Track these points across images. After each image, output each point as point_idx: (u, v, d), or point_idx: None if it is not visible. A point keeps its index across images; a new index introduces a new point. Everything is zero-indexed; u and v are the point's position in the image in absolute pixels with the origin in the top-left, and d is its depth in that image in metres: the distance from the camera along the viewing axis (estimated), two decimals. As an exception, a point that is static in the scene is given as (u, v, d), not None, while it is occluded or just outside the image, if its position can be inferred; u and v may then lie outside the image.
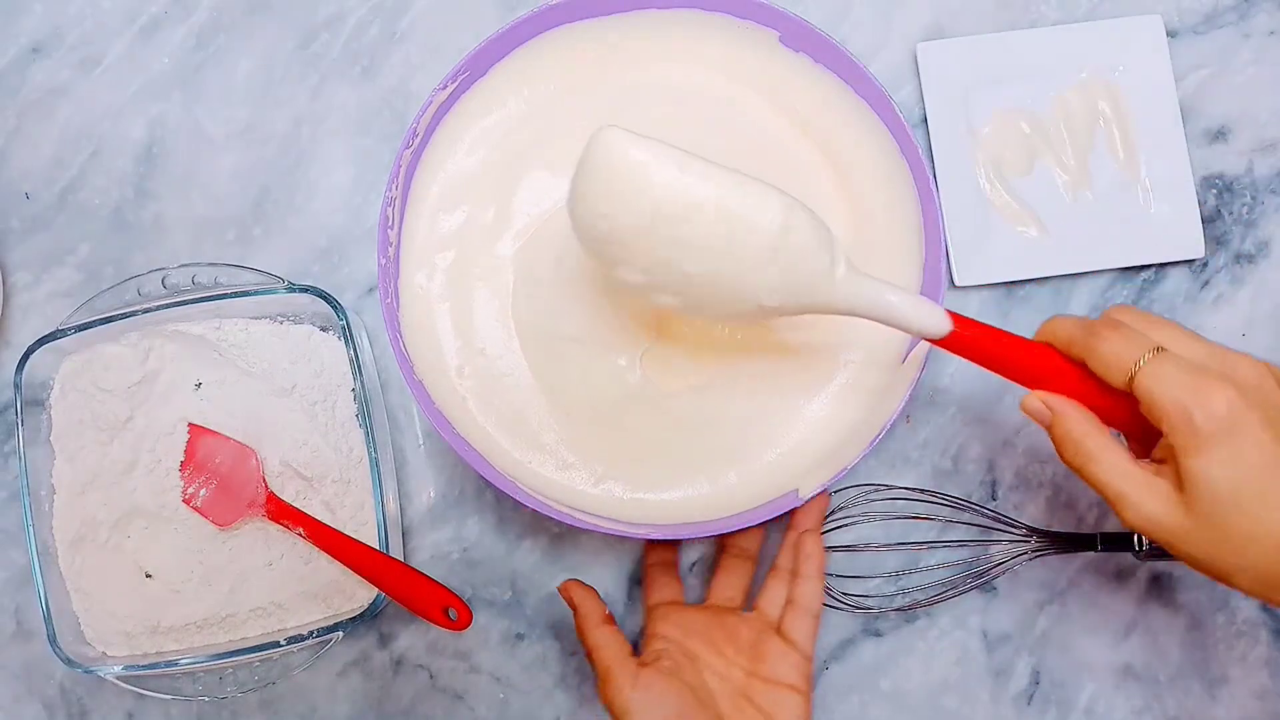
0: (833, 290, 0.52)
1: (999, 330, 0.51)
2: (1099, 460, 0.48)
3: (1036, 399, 0.50)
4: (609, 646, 0.58)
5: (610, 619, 0.59)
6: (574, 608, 0.60)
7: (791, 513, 0.62)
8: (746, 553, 0.63)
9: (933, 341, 0.52)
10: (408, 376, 0.58)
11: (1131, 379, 0.46)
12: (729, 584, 0.62)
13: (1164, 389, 0.45)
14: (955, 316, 0.51)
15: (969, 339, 0.51)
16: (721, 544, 0.64)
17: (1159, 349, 0.47)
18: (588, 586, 0.61)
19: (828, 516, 0.66)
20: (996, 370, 0.52)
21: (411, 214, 0.62)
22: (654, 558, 0.65)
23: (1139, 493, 0.47)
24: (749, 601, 0.63)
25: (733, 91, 0.64)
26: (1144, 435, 0.50)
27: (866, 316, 0.52)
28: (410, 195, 0.62)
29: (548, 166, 0.63)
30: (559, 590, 0.61)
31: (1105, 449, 0.48)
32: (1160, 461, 0.48)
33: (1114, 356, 0.47)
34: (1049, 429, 0.50)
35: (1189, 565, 0.47)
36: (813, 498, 0.58)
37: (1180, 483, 0.46)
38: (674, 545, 0.65)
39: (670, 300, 0.54)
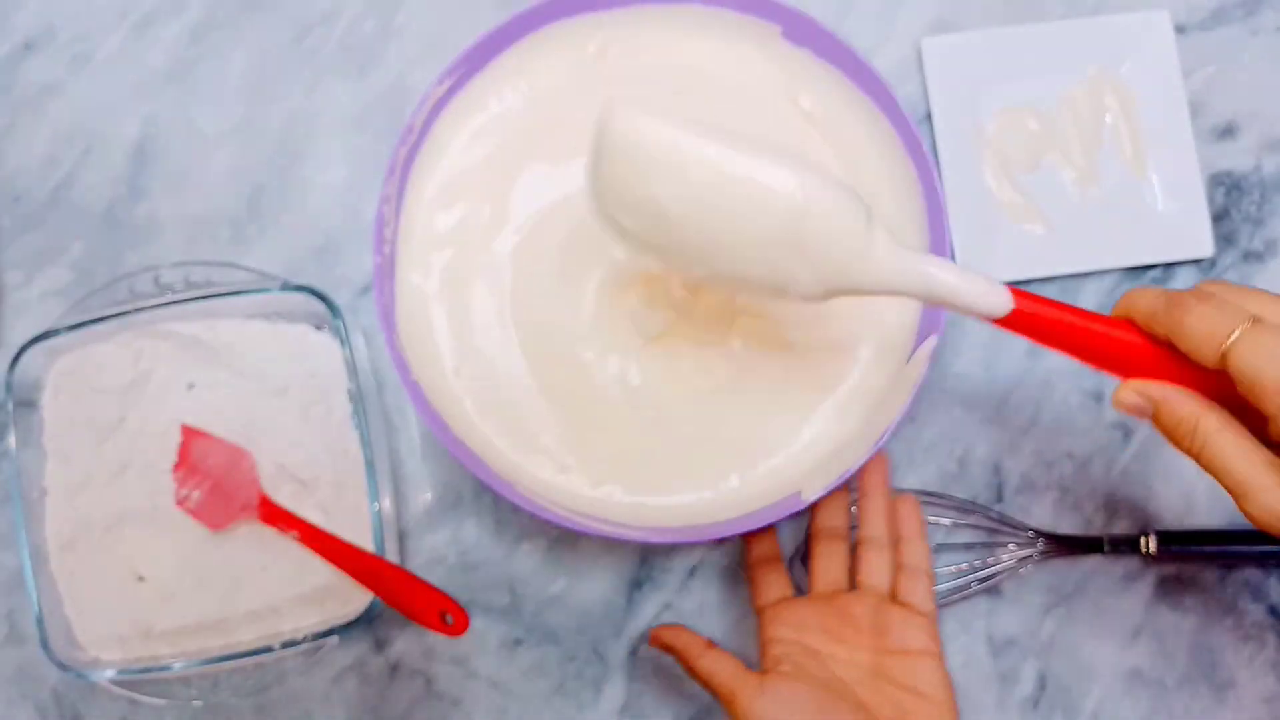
0: (870, 270, 0.48)
1: (1067, 306, 0.47)
2: (1217, 444, 0.43)
3: (1132, 392, 0.45)
4: (722, 668, 0.56)
5: (711, 644, 0.58)
6: (672, 650, 0.58)
7: (860, 478, 0.61)
8: (837, 532, 0.61)
9: (993, 321, 0.48)
10: (403, 377, 0.57)
11: (1224, 356, 0.42)
12: (829, 568, 0.61)
13: (1264, 364, 0.40)
14: (1017, 293, 0.47)
15: (1033, 318, 0.47)
16: (811, 531, 0.62)
17: (1255, 319, 0.42)
18: (674, 626, 0.60)
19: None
20: (1065, 350, 0.48)
21: (407, 212, 0.61)
22: (755, 555, 0.62)
23: (1263, 479, 0.41)
24: (851, 580, 0.61)
25: (736, 83, 0.63)
26: (1247, 414, 0.44)
27: (912, 296, 0.49)
28: (406, 193, 0.61)
29: (547, 159, 0.62)
30: (650, 644, 0.61)
31: (1223, 430, 0.43)
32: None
33: (1204, 331, 0.42)
34: (1155, 420, 0.45)
35: None
36: (871, 458, 0.57)
37: None
38: (773, 536, 0.63)
39: (699, 274, 0.52)
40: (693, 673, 0.57)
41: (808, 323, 0.62)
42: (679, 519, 0.60)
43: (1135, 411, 0.46)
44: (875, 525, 0.60)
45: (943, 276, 0.48)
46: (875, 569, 0.60)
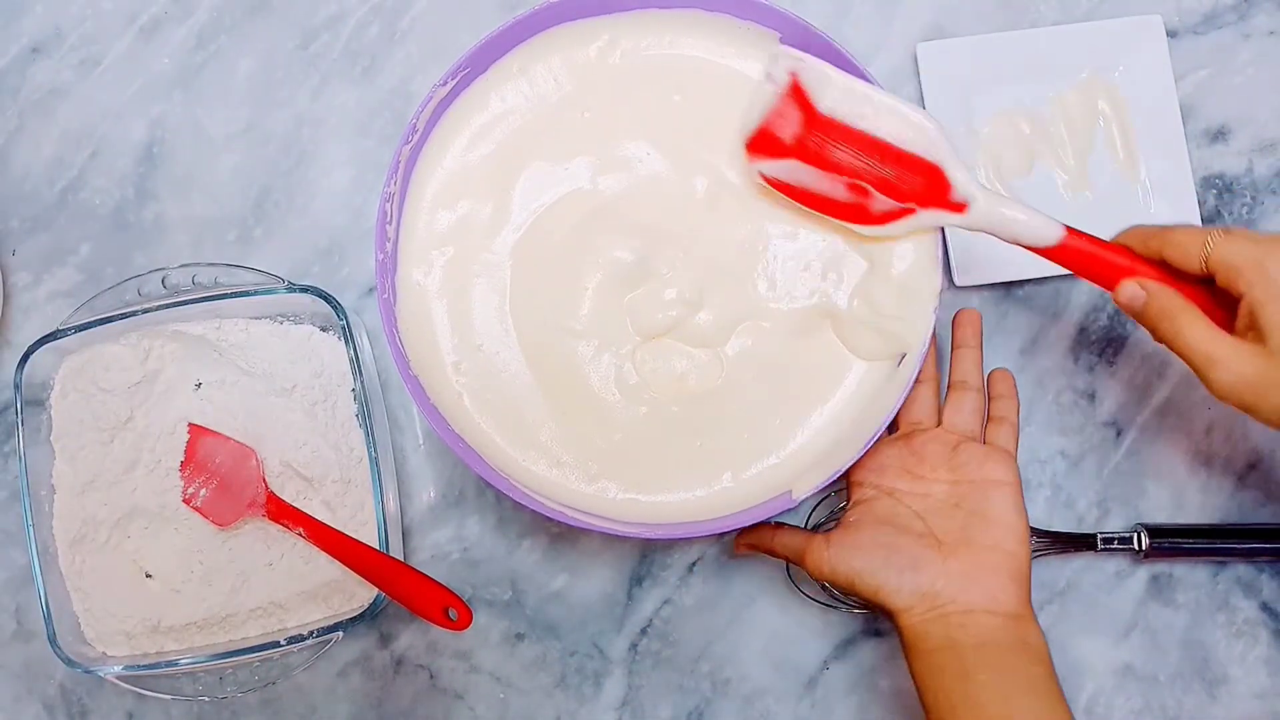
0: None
1: (1098, 239, 0.56)
2: (1191, 329, 0.52)
3: (1131, 283, 0.54)
4: (791, 539, 0.61)
5: (779, 525, 0.63)
6: (754, 548, 0.63)
7: (954, 332, 0.64)
8: (924, 374, 0.64)
9: (1039, 251, 0.56)
10: (403, 371, 0.58)
11: (1207, 258, 0.52)
12: (916, 408, 0.63)
13: (1239, 251, 0.51)
14: (1069, 229, 0.56)
15: (1073, 249, 0.56)
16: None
17: (1225, 230, 0.52)
18: (745, 529, 0.63)
19: (821, 523, 0.66)
20: (1089, 277, 0.57)
21: (410, 210, 0.62)
22: None
23: (1228, 354, 0.51)
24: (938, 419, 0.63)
25: (736, 86, 0.64)
26: (1221, 319, 0.53)
27: (985, 231, 0.57)
28: (409, 191, 0.62)
29: (548, 158, 0.63)
30: (737, 553, 0.65)
31: (1196, 320, 0.52)
32: (1241, 335, 0.52)
33: (1188, 241, 0.53)
34: (1142, 309, 0.54)
35: (1275, 424, 0.51)
36: (965, 314, 0.63)
37: (1263, 338, 0.50)
38: None
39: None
40: (772, 554, 0.62)
41: (805, 329, 0.62)
42: (672, 516, 0.61)
43: (1130, 301, 0.55)
44: (965, 371, 0.63)
45: (1011, 214, 0.57)
46: (960, 409, 0.62)
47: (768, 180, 0.60)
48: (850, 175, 0.58)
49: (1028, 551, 0.57)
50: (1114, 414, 0.69)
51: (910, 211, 0.58)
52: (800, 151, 0.59)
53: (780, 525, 0.62)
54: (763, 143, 0.60)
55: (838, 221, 0.60)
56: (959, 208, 0.57)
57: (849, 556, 0.57)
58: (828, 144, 0.58)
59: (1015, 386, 0.63)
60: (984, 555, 0.56)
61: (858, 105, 0.57)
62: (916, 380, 0.62)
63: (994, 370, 0.64)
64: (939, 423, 0.63)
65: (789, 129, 0.59)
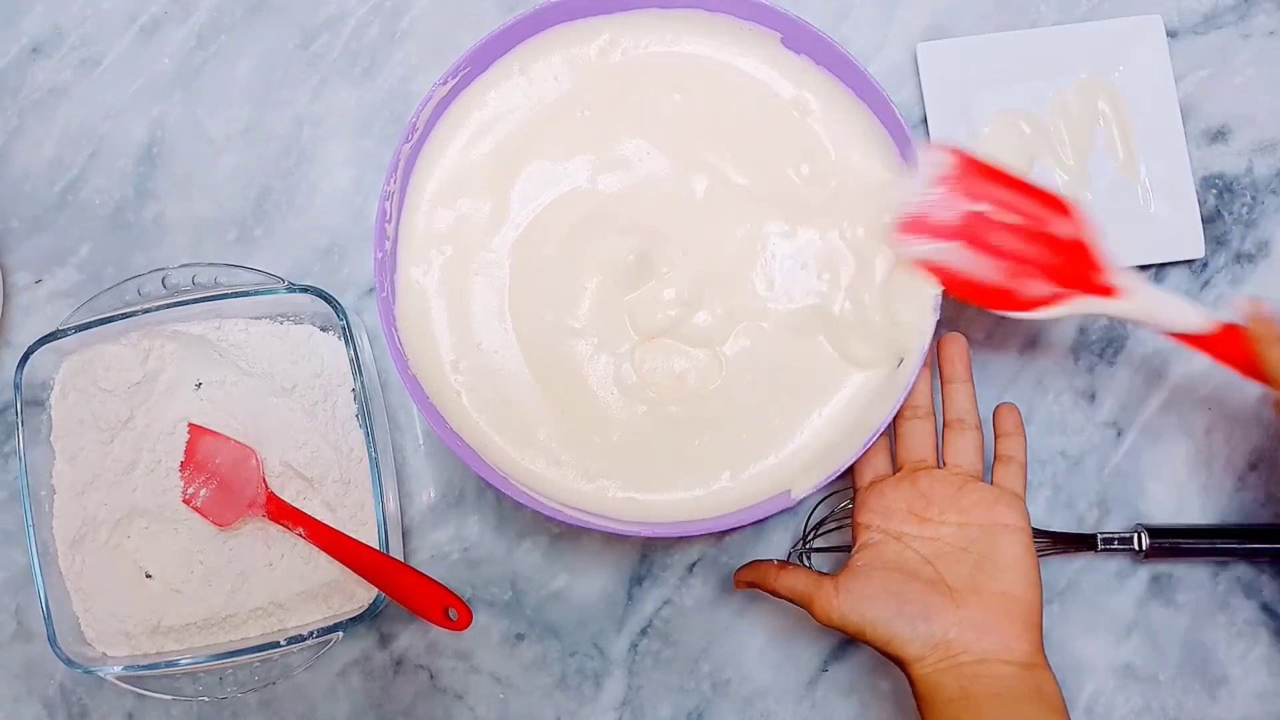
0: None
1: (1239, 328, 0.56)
2: None
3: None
4: (796, 581, 0.59)
5: (783, 564, 0.61)
6: (755, 586, 0.62)
7: (942, 367, 0.63)
8: (920, 411, 0.63)
9: (1185, 338, 0.57)
10: (402, 370, 0.58)
11: None
12: (916, 446, 0.62)
13: None
14: (1221, 323, 0.56)
15: (1224, 343, 0.56)
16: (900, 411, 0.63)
17: None
18: (749, 564, 0.62)
19: (822, 522, 0.66)
20: (1238, 368, 0.57)
21: (409, 208, 0.62)
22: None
23: None
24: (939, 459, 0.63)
25: (737, 86, 0.64)
26: None
27: (1132, 319, 0.58)
28: (408, 190, 0.62)
29: (547, 157, 0.63)
30: (736, 588, 0.63)
31: None
32: None
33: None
34: None
35: None
36: (954, 346, 0.62)
37: None
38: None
39: None
40: (774, 593, 0.60)
41: (804, 329, 0.62)
42: (671, 515, 0.61)
43: None
44: (960, 409, 0.62)
45: (1166, 301, 0.58)
46: (961, 449, 0.61)
47: (917, 263, 0.59)
48: (1012, 260, 0.58)
49: (1039, 595, 0.56)
50: (1114, 414, 0.69)
51: (1066, 297, 0.57)
52: (963, 234, 0.58)
53: (784, 565, 0.61)
54: (918, 225, 0.59)
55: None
56: (1109, 292, 0.57)
57: (860, 605, 0.56)
58: (991, 229, 0.58)
59: (1022, 423, 0.62)
60: (996, 602, 0.56)
61: (1006, 191, 0.58)
62: (915, 416, 0.62)
63: (1000, 406, 0.63)
64: (940, 459, 0.62)
65: (948, 213, 0.59)
